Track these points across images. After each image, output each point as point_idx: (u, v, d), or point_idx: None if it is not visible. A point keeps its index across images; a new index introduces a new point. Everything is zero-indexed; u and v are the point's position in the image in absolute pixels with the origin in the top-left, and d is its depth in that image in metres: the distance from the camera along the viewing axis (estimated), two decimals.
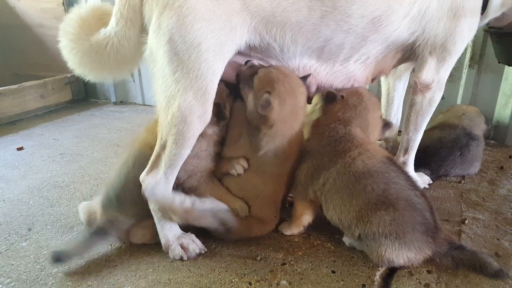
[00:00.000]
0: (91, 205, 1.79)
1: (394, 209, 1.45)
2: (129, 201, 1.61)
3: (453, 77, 2.94)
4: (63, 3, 3.98)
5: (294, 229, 1.75)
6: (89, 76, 1.73)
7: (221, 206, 1.62)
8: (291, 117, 1.62)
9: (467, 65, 2.88)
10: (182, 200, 1.54)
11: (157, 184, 1.55)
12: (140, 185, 1.57)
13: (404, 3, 1.63)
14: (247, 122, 1.68)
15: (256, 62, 1.69)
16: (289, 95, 1.60)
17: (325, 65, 1.76)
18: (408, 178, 1.55)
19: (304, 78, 1.71)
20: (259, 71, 1.64)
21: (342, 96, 1.72)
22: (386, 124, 1.81)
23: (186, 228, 1.69)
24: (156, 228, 1.63)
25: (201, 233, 1.70)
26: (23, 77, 3.93)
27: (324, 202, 1.60)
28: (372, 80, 1.91)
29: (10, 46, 4.35)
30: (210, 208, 1.59)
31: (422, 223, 1.45)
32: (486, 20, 1.93)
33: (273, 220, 1.75)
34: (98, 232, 1.58)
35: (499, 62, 2.49)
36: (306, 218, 1.73)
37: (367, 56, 1.76)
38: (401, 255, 1.45)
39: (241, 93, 1.70)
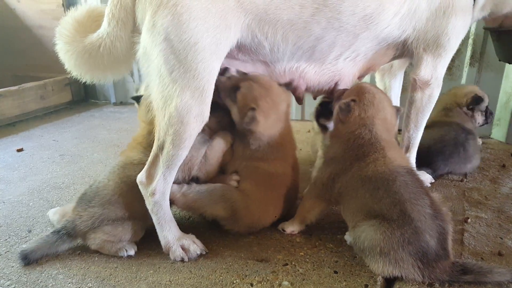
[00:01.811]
0: (65, 207, 1.83)
1: (383, 220, 1.40)
2: (96, 202, 1.62)
3: (454, 75, 2.93)
4: (63, 4, 3.99)
5: (296, 226, 1.74)
6: (86, 77, 1.74)
7: (216, 184, 1.70)
8: (276, 123, 1.75)
9: (468, 63, 2.87)
10: (180, 187, 1.67)
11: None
12: (112, 191, 1.62)
13: (395, 1, 1.63)
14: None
15: (233, 70, 1.72)
16: (272, 108, 1.72)
17: (313, 65, 1.76)
18: (424, 195, 1.45)
19: (286, 85, 1.80)
20: (241, 86, 1.70)
21: (354, 100, 1.65)
22: (398, 110, 1.75)
23: (187, 229, 1.68)
24: (105, 238, 1.61)
25: (202, 234, 1.70)
26: (23, 78, 3.93)
27: (341, 203, 1.61)
28: (359, 77, 1.91)
29: (10, 47, 4.35)
30: (205, 188, 1.67)
31: (414, 244, 1.36)
32: (473, 21, 1.93)
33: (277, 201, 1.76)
34: (58, 231, 1.60)
35: (499, 60, 2.48)
36: (311, 216, 1.72)
37: (357, 53, 1.76)
38: (386, 271, 1.39)
39: (223, 101, 1.77)
